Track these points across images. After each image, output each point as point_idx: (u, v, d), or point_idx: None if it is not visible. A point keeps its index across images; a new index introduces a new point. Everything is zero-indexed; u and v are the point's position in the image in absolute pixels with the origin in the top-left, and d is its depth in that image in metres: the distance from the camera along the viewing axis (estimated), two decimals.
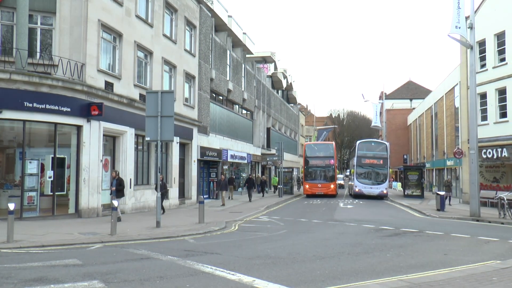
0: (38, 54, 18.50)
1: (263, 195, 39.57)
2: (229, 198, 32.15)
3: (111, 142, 21.50)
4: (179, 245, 12.38)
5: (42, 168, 18.24)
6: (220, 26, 37.45)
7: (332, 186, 40.21)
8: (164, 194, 21.47)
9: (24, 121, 17.34)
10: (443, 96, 43.82)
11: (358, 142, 42.44)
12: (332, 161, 40.93)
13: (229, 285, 7.66)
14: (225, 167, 37.27)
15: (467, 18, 22.50)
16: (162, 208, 20.80)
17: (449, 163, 40.95)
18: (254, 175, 43.83)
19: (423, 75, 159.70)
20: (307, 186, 40.47)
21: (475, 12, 21.99)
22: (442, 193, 25.74)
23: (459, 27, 21.42)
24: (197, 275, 8.36)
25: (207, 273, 8.52)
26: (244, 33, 44.08)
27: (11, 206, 12.52)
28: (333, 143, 44.61)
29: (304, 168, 41.66)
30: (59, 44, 18.67)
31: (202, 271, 8.73)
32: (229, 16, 39.47)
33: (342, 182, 61.87)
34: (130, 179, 21.92)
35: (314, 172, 40.78)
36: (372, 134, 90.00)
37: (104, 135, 20.18)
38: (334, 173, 40.92)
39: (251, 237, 14.26)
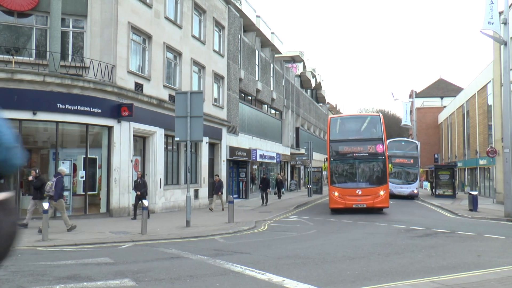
0: (70, 57, 18.88)
1: (279, 197, 34.43)
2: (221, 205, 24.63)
3: (141, 142, 21.79)
4: (208, 245, 12.46)
5: (75, 168, 18.63)
6: (248, 26, 37.53)
7: (382, 192, 22.55)
8: (144, 194, 18.62)
9: (57, 122, 17.74)
10: (475, 93, 42.89)
11: (388, 141, 41.58)
12: (381, 146, 23.06)
13: (258, 284, 7.66)
14: (254, 166, 37.31)
15: (500, 13, 21.97)
16: (134, 211, 18.67)
17: (481, 162, 40.08)
18: (281, 174, 43.52)
19: (454, 73, 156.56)
20: (335, 193, 22.76)
21: (510, 7, 21.44)
22: (474, 192, 25.17)
23: (492, 23, 20.93)
24: (226, 275, 8.39)
25: (237, 273, 8.55)
26: (273, 33, 44.06)
27: (45, 206, 12.83)
28: (380, 115, 25.09)
29: (329, 162, 23.39)
30: (90, 46, 19.02)
31: (232, 270, 8.75)
32: (258, 16, 39.51)
33: None
34: (160, 179, 22.16)
35: (346, 168, 23.58)
36: (402, 133, 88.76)
37: (134, 135, 20.47)
38: (385, 168, 23.08)
39: (281, 237, 14.24)
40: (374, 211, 23.03)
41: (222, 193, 24.47)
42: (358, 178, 23.16)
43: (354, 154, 23.01)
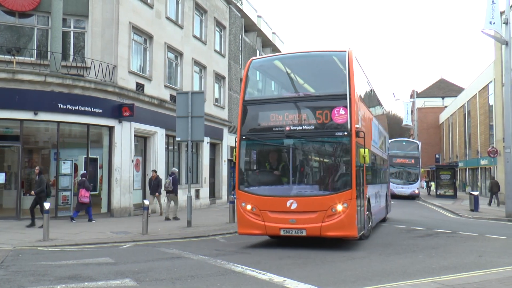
0: (71, 57, 18.89)
1: None
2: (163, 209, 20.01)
3: (142, 142, 21.79)
4: (209, 245, 12.45)
5: (76, 169, 18.64)
6: (249, 26, 37.51)
7: (340, 206, 10.96)
8: (41, 195, 15.23)
9: (58, 122, 17.73)
10: (476, 93, 42.88)
11: (389, 141, 41.61)
12: (344, 111, 11.33)
13: (259, 284, 7.66)
14: None
15: (502, 13, 21.96)
16: (31, 217, 15.47)
17: (483, 162, 40.06)
18: None
19: (455, 73, 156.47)
20: (247, 206, 11.73)
21: (511, 6, 21.39)
22: (475, 193, 25.17)
23: (494, 23, 20.92)
24: (228, 275, 8.40)
25: (238, 273, 8.55)
26: (274, 33, 44.03)
27: (47, 206, 12.84)
28: (348, 51, 11.88)
29: (239, 143, 12.08)
30: (91, 46, 19.03)
31: (233, 270, 8.76)
32: (259, 16, 39.50)
33: None
34: (161, 179, 22.14)
35: (270, 155, 12.54)
36: (403, 133, 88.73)
37: (135, 135, 20.47)
38: (350, 156, 11.16)
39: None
40: (325, 243, 11.90)
41: (160, 194, 19.70)
42: (292, 177, 11.93)
43: (288, 128, 11.76)
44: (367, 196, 12.97)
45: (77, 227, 15.55)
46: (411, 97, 72.84)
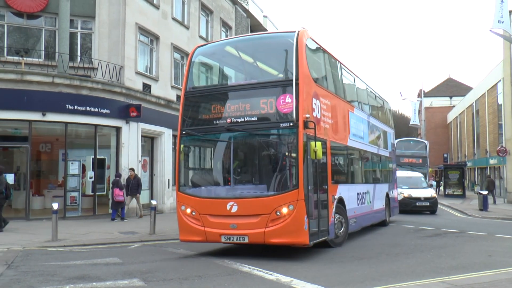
0: (78, 58, 18.98)
1: None
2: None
3: (149, 143, 21.84)
4: (216, 245, 12.42)
5: (83, 169, 18.73)
6: (255, 27, 37.48)
7: (285, 209, 9.48)
8: (2, 196, 14.10)
9: (66, 123, 17.82)
10: (484, 93, 42.63)
11: (396, 141, 41.42)
12: (290, 99, 9.83)
13: (267, 285, 7.64)
14: None
15: (510, 12, 21.84)
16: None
17: (492, 161, 39.81)
18: None
19: (463, 72, 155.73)
20: (187, 210, 10.36)
21: None
22: (484, 192, 25.00)
23: (502, 22, 20.82)
24: (235, 275, 8.38)
25: (245, 273, 8.53)
26: None
27: (55, 206, 12.88)
28: (300, 31, 10.49)
29: (179, 140, 11.04)
30: (99, 47, 19.11)
31: (240, 270, 8.74)
32: (265, 16, 39.49)
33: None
34: (169, 179, 22.19)
35: (211, 152, 11.79)
36: (410, 132, 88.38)
37: (142, 136, 20.52)
38: (296, 151, 9.68)
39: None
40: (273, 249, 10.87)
41: (139, 194, 18.78)
42: (234, 176, 10.75)
43: (229, 120, 10.40)
44: (337, 197, 11.52)
45: (85, 227, 15.60)
46: (418, 97, 72.50)
